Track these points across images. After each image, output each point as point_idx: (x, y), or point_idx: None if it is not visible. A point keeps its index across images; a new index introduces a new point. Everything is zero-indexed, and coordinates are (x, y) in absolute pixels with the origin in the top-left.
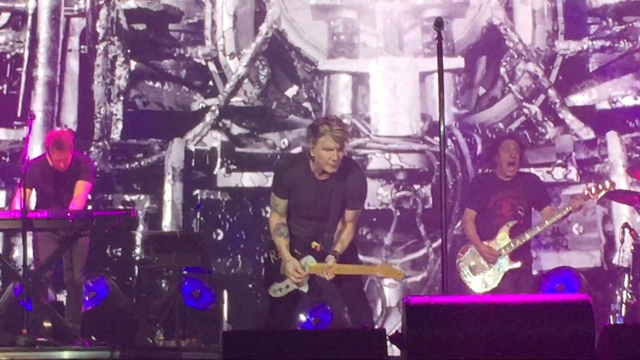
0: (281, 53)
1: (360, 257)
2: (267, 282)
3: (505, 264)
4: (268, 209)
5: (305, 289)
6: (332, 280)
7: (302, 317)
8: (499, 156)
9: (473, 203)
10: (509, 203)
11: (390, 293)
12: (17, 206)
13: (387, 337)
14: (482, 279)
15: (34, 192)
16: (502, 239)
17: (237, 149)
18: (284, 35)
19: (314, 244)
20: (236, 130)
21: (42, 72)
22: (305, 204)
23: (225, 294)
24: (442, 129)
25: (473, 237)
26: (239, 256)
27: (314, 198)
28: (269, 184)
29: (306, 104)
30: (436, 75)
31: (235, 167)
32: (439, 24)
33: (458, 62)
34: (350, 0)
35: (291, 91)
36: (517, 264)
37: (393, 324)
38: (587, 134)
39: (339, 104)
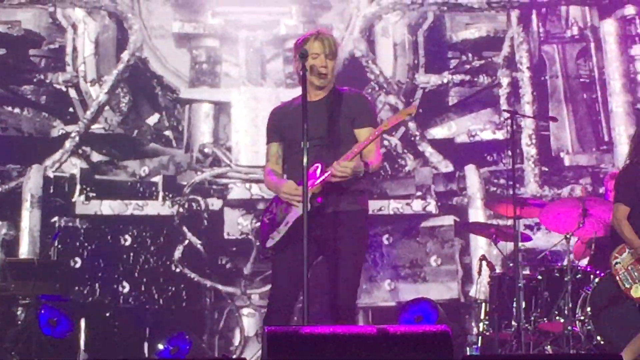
0: (143, 81)
1: (219, 286)
2: (265, 241)
3: None
4: (127, 237)
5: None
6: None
7: (160, 346)
8: None
9: (625, 197)
10: None
11: (249, 322)
12: None
13: None
14: None
15: None
16: None
17: (97, 177)
18: (146, 62)
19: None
20: (96, 157)
21: None
22: (302, 132)
23: (82, 322)
24: (305, 160)
25: (632, 238)
26: (97, 284)
27: (311, 122)
28: (129, 211)
29: (167, 132)
30: None
31: (94, 194)
32: (303, 55)
33: None
34: (213, 29)
35: (152, 119)
36: None
37: (252, 354)
38: (447, 166)
39: (200, 132)
